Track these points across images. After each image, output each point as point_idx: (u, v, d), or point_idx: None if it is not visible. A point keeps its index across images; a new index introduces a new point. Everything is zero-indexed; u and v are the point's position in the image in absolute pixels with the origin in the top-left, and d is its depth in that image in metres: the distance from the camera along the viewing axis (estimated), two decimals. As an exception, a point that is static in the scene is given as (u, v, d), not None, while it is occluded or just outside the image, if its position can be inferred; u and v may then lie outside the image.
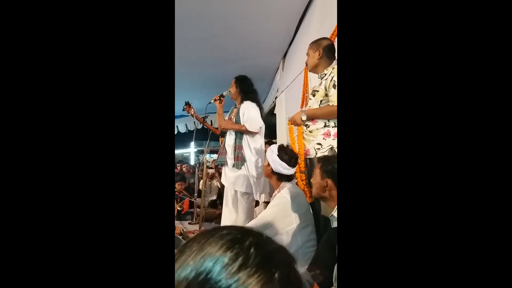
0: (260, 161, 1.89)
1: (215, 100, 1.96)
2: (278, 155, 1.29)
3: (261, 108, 1.96)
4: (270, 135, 3.69)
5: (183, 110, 2.18)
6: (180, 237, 1.58)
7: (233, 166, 1.89)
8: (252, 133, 1.89)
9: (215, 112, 2.05)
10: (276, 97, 3.16)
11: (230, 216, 1.89)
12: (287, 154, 1.30)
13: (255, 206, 2.65)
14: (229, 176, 1.91)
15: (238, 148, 1.90)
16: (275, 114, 3.19)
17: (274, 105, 3.23)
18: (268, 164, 1.32)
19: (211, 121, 2.73)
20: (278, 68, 3.13)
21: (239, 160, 1.88)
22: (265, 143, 2.07)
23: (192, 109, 2.18)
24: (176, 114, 2.19)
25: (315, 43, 1.33)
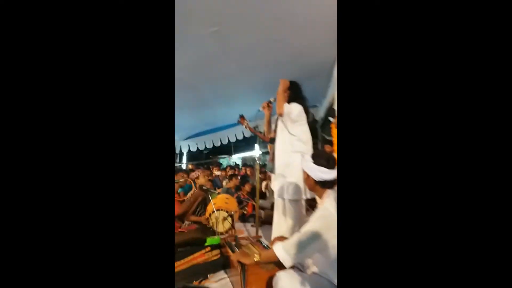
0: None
1: (263, 107, 1.99)
2: (313, 162, 1.20)
3: (307, 112, 1.91)
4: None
5: (238, 122, 2.34)
6: (233, 244, 1.57)
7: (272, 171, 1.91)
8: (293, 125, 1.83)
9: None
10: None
11: (280, 222, 1.89)
12: (322, 158, 1.19)
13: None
14: (275, 184, 1.92)
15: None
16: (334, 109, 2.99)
17: (333, 100, 3.03)
18: (308, 176, 1.22)
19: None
20: (335, 60, 2.92)
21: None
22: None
23: (245, 121, 2.33)
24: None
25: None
